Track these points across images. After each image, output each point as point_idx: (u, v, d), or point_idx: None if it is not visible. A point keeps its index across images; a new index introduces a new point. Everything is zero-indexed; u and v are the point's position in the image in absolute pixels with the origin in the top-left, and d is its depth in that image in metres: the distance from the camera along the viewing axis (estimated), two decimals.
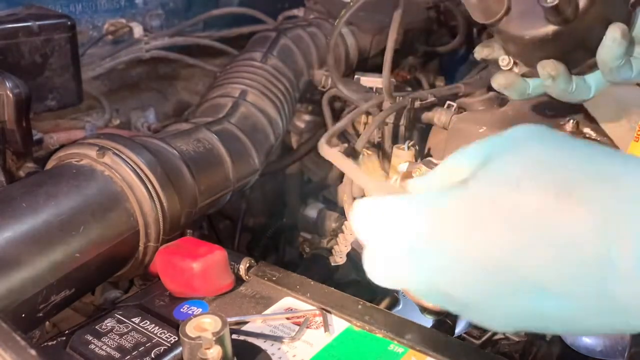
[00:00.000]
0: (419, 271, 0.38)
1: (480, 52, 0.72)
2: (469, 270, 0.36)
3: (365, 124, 0.92)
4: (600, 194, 0.34)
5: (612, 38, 0.60)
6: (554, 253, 0.34)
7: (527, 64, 0.69)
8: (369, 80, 1.07)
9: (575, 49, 0.65)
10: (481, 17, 0.66)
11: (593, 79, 0.67)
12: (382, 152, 0.96)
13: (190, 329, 0.47)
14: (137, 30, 1.18)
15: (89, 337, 0.56)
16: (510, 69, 0.69)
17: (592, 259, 0.33)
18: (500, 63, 0.69)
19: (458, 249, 0.36)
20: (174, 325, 0.57)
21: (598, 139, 0.81)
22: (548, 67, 0.64)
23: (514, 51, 0.68)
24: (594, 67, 0.66)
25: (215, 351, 0.45)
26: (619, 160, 0.36)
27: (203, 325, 0.47)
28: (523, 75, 0.69)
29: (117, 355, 0.53)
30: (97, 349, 0.54)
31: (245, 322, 0.58)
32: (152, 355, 0.53)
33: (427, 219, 0.37)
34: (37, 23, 0.87)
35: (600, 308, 0.34)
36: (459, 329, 0.71)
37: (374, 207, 0.40)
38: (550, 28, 0.62)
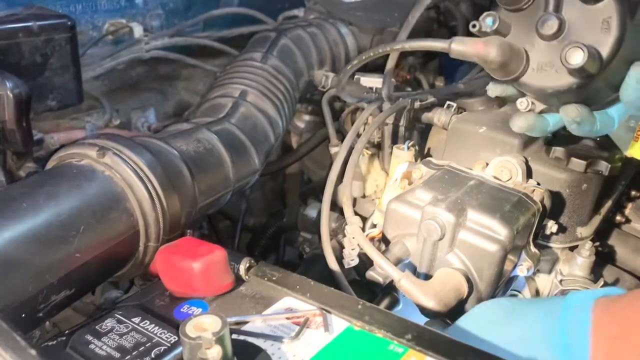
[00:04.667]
0: None
1: (494, 90, 0.72)
2: None
3: (366, 124, 0.92)
4: None
5: (637, 79, 0.60)
6: None
7: (547, 105, 0.68)
8: (369, 81, 1.07)
9: (598, 91, 0.64)
10: (501, 76, 0.65)
11: (615, 111, 0.67)
12: (382, 152, 0.96)
13: (190, 329, 0.47)
14: (137, 30, 1.18)
15: (89, 337, 0.56)
16: (529, 110, 0.68)
17: None
18: (519, 106, 0.68)
19: None
20: (174, 325, 0.57)
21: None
22: (571, 113, 0.64)
23: (534, 96, 0.68)
24: (615, 100, 0.65)
25: (215, 351, 0.45)
26: None
27: (203, 325, 0.47)
28: (541, 112, 0.68)
29: (117, 355, 0.53)
30: (97, 349, 0.54)
31: (245, 322, 0.58)
32: (152, 355, 0.53)
33: None
34: (37, 23, 0.88)
35: None
36: None
37: None
38: (574, 81, 0.62)
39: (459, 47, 0.63)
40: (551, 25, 0.61)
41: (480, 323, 0.61)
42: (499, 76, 0.66)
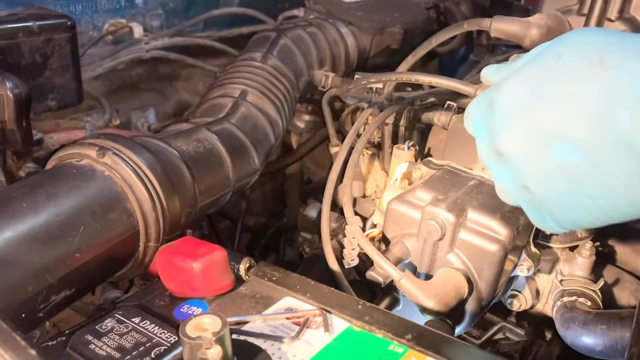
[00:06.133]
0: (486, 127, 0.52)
1: None
2: (513, 125, 0.48)
3: (366, 124, 0.92)
4: (627, 61, 0.41)
5: None
6: (578, 109, 0.43)
7: None
8: None
9: None
10: None
11: None
12: (382, 152, 0.96)
13: (190, 329, 0.47)
14: (137, 30, 1.18)
15: (89, 337, 0.56)
16: None
17: (610, 113, 0.41)
18: None
19: (506, 110, 0.48)
20: (174, 325, 0.57)
21: None
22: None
23: None
24: None
25: (215, 351, 0.45)
26: None
27: (203, 325, 0.47)
28: None
29: (117, 355, 0.53)
30: (97, 349, 0.54)
31: (245, 322, 0.58)
32: (152, 355, 0.53)
33: (499, 96, 0.49)
34: (37, 23, 0.87)
35: (620, 160, 0.42)
36: (459, 329, 0.71)
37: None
38: None
39: None
40: None
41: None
42: None
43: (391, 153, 0.88)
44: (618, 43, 0.43)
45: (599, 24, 0.79)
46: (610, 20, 0.78)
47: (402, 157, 0.85)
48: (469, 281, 0.67)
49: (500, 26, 0.70)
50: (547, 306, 0.83)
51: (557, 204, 0.48)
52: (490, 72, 0.56)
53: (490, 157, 0.52)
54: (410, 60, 0.87)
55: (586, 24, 0.78)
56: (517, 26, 0.71)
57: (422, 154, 0.92)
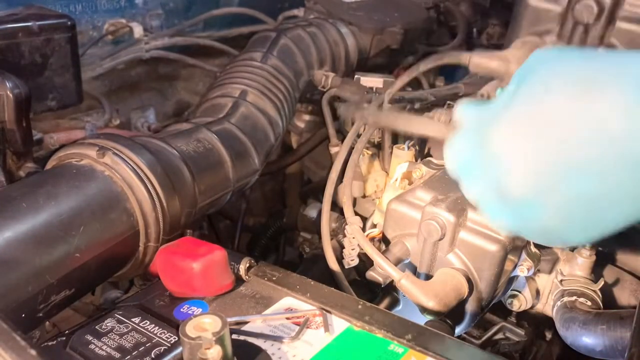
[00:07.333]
0: (480, 175, 0.49)
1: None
2: (522, 168, 0.45)
3: (366, 124, 0.92)
4: (612, 85, 0.41)
5: None
6: (584, 137, 0.42)
7: None
8: (369, 80, 1.07)
9: None
10: None
11: None
12: (382, 152, 0.96)
13: (190, 329, 0.47)
14: (137, 30, 1.18)
15: (89, 337, 0.56)
16: None
17: (616, 135, 0.40)
18: None
19: (510, 154, 0.46)
20: (174, 325, 0.57)
21: None
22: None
23: None
24: None
25: (215, 351, 0.45)
26: (626, 57, 0.42)
27: (203, 325, 0.47)
28: None
29: (117, 355, 0.53)
30: (97, 349, 0.54)
31: (245, 322, 0.58)
32: (152, 355, 0.53)
33: (483, 137, 0.48)
34: (37, 23, 0.87)
35: (635, 183, 0.41)
36: (459, 329, 0.71)
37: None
38: None
39: None
40: None
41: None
42: None
43: (391, 153, 0.89)
44: (592, 72, 0.43)
45: None
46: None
47: (402, 157, 0.85)
48: (469, 281, 0.67)
49: (480, 62, 0.71)
50: (547, 306, 0.83)
51: (572, 231, 0.47)
52: (467, 113, 0.53)
53: (488, 199, 0.50)
54: (405, 78, 0.88)
55: None
56: (496, 63, 0.72)
57: (422, 154, 0.92)
